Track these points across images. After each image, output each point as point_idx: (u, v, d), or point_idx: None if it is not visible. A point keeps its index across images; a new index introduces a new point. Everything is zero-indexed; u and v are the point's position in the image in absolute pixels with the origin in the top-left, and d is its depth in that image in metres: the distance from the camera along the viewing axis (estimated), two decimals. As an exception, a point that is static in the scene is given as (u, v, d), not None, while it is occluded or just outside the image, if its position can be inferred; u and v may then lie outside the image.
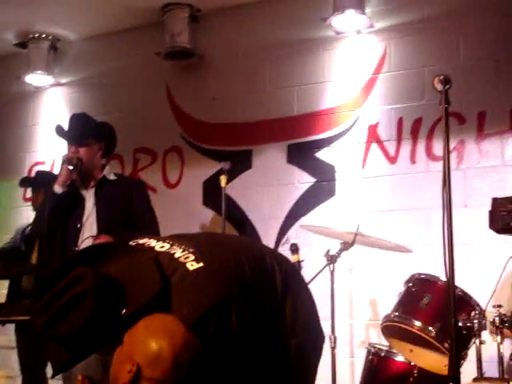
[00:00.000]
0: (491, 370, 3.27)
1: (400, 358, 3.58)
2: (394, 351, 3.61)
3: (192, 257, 2.00)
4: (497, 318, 3.02)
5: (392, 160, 4.79)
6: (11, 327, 4.85)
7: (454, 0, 4.74)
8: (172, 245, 2.06)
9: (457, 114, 4.52)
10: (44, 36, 5.92)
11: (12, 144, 6.27)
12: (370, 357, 3.71)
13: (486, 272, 4.06)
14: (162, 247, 2.05)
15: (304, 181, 5.03)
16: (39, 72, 5.96)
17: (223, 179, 4.53)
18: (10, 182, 6.06)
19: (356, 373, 4.36)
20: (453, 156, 4.50)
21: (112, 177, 4.15)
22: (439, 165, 2.67)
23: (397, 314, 3.39)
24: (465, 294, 3.24)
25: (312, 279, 3.84)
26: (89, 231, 3.92)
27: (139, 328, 1.80)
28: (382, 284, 4.54)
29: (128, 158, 5.69)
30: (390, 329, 3.49)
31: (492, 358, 3.25)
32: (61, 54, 6.07)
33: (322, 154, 5.00)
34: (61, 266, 1.98)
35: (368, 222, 4.55)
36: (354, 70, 5.00)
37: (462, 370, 3.11)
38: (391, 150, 4.79)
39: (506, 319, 2.97)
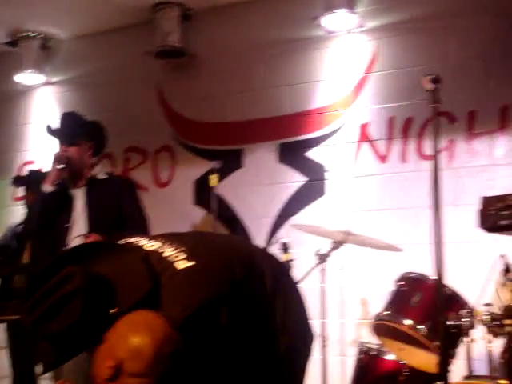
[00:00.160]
0: (481, 368, 3.29)
1: (390, 357, 3.58)
2: (385, 350, 3.61)
3: (182, 256, 2.00)
4: (486, 317, 3.03)
5: (383, 159, 4.80)
6: (1, 327, 4.84)
7: (444, 0, 4.75)
8: (162, 244, 2.06)
9: (447, 113, 4.53)
10: (35, 35, 5.90)
11: (2, 143, 6.25)
12: (361, 355, 3.72)
13: (475, 271, 4.07)
14: (152, 246, 2.05)
15: (295, 180, 5.04)
16: (30, 71, 5.94)
17: (214, 178, 4.53)
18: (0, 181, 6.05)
19: (347, 371, 4.36)
20: (443, 155, 4.51)
21: (102, 176, 4.12)
22: (430, 164, 2.69)
23: (387, 312, 3.40)
24: (454, 292, 3.24)
25: (302, 278, 3.84)
26: (78, 230, 3.89)
27: (120, 324, 1.80)
28: (373, 283, 4.55)
29: (119, 157, 5.68)
30: (381, 328, 3.50)
31: (482, 356, 3.26)
32: (52, 52, 6.05)
33: (312, 154, 5.01)
34: (50, 265, 1.98)
35: (358, 220, 4.57)
36: (345, 70, 5.01)
37: (452, 368, 3.14)
38: (382, 149, 4.80)
39: (495, 317, 2.98)
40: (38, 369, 3.81)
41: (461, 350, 3.23)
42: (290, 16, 5.19)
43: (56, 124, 4.16)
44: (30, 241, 4.37)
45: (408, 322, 3.27)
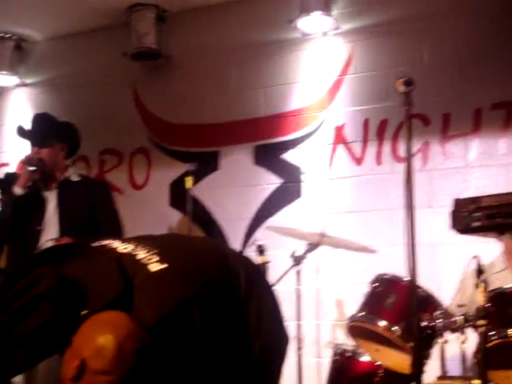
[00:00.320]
0: (455, 368, 3.31)
1: (366, 358, 3.59)
2: (360, 351, 3.63)
3: (155, 258, 2.00)
4: (460, 318, 3.05)
5: (358, 161, 4.82)
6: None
7: (418, 3, 4.79)
8: (135, 246, 2.05)
9: (422, 115, 4.57)
10: (9, 36, 5.85)
11: (-24, 145, 6.19)
12: (336, 357, 3.73)
13: (449, 272, 4.11)
14: (126, 248, 2.04)
15: (271, 182, 5.05)
16: (4, 72, 5.89)
17: (189, 180, 4.52)
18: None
19: (323, 373, 4.37)
20: (418, 157, 4.55)
21: (75, 178, 4.08)
22: (404, 166, 2.71)
23: (362, 314, 3.41)
24: (428, 293, 3.26)
25: (278, 280, 3.85)
26: (50, 233, 3.86)
27: (85, 324, 1.80)
28: (348, 284, 4.57)
29: (94, 160, 5.65)
30: (356, 329, 3.51)
31: (456, 356, 3.28)
32: (26, 54, 6.00)
33: (288, 156, 5.02)
34: (22, 267, 1.96)
35: (334, 222, 4.58)
36: (321, 72, 5.03)
37: (427, 368, 3.16)
38: (357, 152, 4.82)
39: (468, 318, 3.00)
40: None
41: (435, 351, 3.25)
42: (266, 18, 5.20)
43: (28, 125, 4.12)
44: (6, 245, 4.31)
45: (383, 323, 3.28)
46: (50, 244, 3.71)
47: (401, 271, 3.23)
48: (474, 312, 2.83)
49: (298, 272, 4.03)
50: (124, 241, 2.12)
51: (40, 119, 4.15)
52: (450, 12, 4.68)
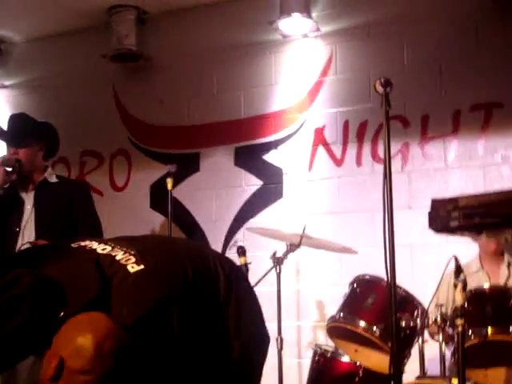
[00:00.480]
0: (434, 368, 3.33)
1: (346, 359, 3.61)
2: (340, 352, 3.64)
3: (133, 259, 2.00)
4: (438, 318, 3.07)
5: (338, 162, 4.84)
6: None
7: (397, 5, 4.81)
8: (113, 247, 2.05)
9: (401, 117, 4.60)
10: (-13, 38, 5.83)
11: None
12: (317, 358, 3.73)
13: (429, 272, 4.13)
14: (104, 249, 2.04)
15: (251, 183, 5.06)
16: (-17, 74, 5.86)
17: (169, 182, 4.50)
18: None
19: (303, 374, 4.38)
20: (397, 159, 4.58)
21: (53, 179, 4.00)
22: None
23: (342, 314, 3.43)
24: (408, 294, 3.29)
25: (258, 281, 3.85)
26: (27, 236, 3.79)
27: (64, 325, 1.80)
28: (328, 285, 4.59)
29: (74, 162, 5.63)
30: (336, 330, 3.53)
31: (435, 356, 3.30)
32: (5, 55, 5.97)
33: (269, 157, 5.03)
34: (-1, 268, 1.95)
35: (315, 223, 4.59)
36: (301, 74, 5.04)
37: (406, 368, 3.19)
38: (337, 153, 4.84)
39: (447, 318, 3.02)
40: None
41: (414, 351, 3.27)
42: (246, 20, 5.20)
43: (4, 126, 4.05)
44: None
45: (362, 323, 3.30)
46: (26, 247, 3.65)
47: (381, 272, 3.25)
48: (452, 312, 2.84)
49: (279, 273, 4.02)
50: (102, 242, 2.12)
51: (17, 119, 4.07)
52: (429, 14, 4.71)
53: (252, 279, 3.60)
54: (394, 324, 2.51)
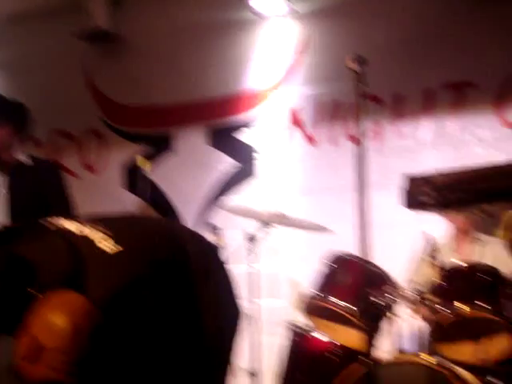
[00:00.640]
0: (408, 344, 3.37)
1: (321, 336, 3.63)
2: (316, 329, 3.66)
3: (106, 238, 1.99)
4: (412, 294, 3.10)
5: (313, 141, 4.84)
6: None
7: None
8: (87, 226, 2.04)
9: (374, 96, 4.60)
10: (-44, 16, 5.72)
11: None
12: (292, 336, 3.75)
13: (402, 249, 4.16)
14: (78, 228, 2.03)
15: (224, 162, 5.05)
16: (-49, 54, 5.75)
17: (141, 160, 4.46)
18: None
19: (279, 352, 4.40)
20: (370, 137, 4.58)
21: (25, 160, 3.84)
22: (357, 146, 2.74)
23: (316, 292, 3.44)
24: (381, 271, 3.31)
25: (233, 260, 3.85)
26: (0, 220, 3.69)
27: (37, 304, 1.79)
28: (303, 264, 4.60)
29: (45, 142, 5.57)
30: (311, 308, 3.54)
31: (409, 332, 3.34)
32: (-26, 35, 5.88)
33: (242, 136, 5.02)
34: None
35: (289, 202, 4.60)
36: (276, 52, 5.03)
37: (379, 344, 3.22)
38: (311, 132, 4.84)
39: (421, 294, 3.05)
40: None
41: (388, 328, 3.30)
42: (219, -2, 5.17)
43: None
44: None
45: (337, 301, 3.32)
46: None
47: (355, 250, 3.28)
48: (427, 288, 2.87)
49: (253, 252, 4.03)
50: (76, 220, 2.10)
51: None
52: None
53: (225, 258, 3.61)
54: (368, 300, 2.53)
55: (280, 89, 4.97)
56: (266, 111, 4.99)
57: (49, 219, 2.11)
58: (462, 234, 4.13)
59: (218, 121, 5.10)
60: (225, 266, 2.45)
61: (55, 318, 1.74)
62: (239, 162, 5.01)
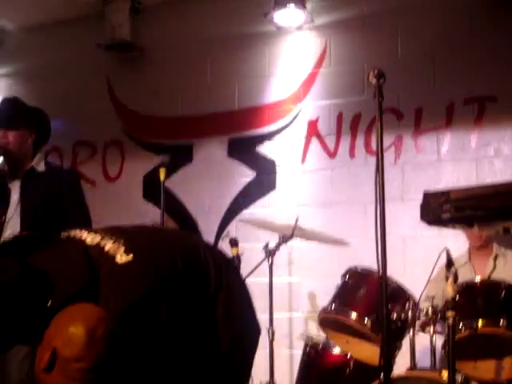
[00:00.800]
0: (425, 360, 3.34)
1: (337, 350, 3.62)
2: (331, 343, 3.65)
3: (122, 249, 2.00)
4: (429, 310, 3.08)
5: (331, 154, 4.84)
6: None
7: (392, -3, 4.81)
8: (103, 237, 2.05)
9: (395, 109, 4.61)
10: (-19, 26, 5.80)
11: None
12: (308, 349, 3.74)
13: (421, 264, 4.14)
14: (93, 239, 2.04)
15: (244, 175, 5.06)
16: (-24, 63, 5.82)
17: (162, 173, 4.49)
18: None
19: (294, 365, 4.38)
20: (390, 151, 4.58)
21: (42, 167, 3.78)
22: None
23: (333, 306, 3.43)
24: (399, 286, 3.29)
25: (250, 272, 3.86)
26: (12, 227, 3.59)
27: (55, 317, 1.80)
28: (321, 277, 4.59)
29: (67, 151, 5.62)
30: (328, 321, 3.53)
31: (426, 348, 3.31)
32: (-1, 44, 5.95)
33: (262, 149, 5.03)
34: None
35: (307, 215, 4.59)
36: (295, 65, 5.04)
37: (397, 360, 3.20)
38: (331, 145, 4.85)
39: (438, 310, 3.03)
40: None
41: (405, 343, 3.28)
42: (241, 11, 5.19)
43: None
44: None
45: (354, 315, 3.31)
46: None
47: (373, 264, 3.26)
48: (443, 304, 2.85)
49: (271, 264, 4.03)
50: (92, 231, 2.12)
51: (9, 102, 3.90)
52: (424, 7, 4.71)
53: (244, 270, 3.62)
54: (385, 316, 2.52)
55: (300, 101, 4.97)
56: (286, 124, 4.99)
57: (65, 230, 2.13)
58: (481, 249, 4.11)
59: (239, 133, 5.11)
60: (241, 278, 2.45)
61: (71, 327, 1.76)
62: (259, 174, 5.01)
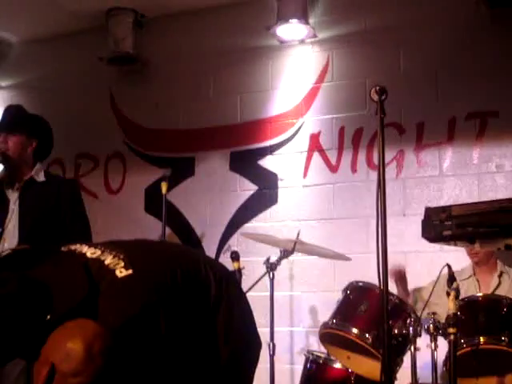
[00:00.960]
0: (426, 376, 3.33)
1: (338, 365, 3.61)
2: (332, 358, 3.64)
3: (122, 263, 2.00)
4: (431, 325, 3.07)
5: (333, 169, 4.84)
6: None
7: (394, 12, 4.82)
8: (103, 251, 2.05)
9: (397, 124, 4.61)
10: (-16, 38, 5.82)
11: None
12: (309, 364, 3.73)
13: (422, 280, 4.13)
14: (93, 253, 2.04)
15: (246, 188, 5.05)
16: (-21, 75, 5.84)
17: (164, 186, 4.50)
18: None
19: (295, 380, 4.38)
20: (392, 166, 4.58)
21: (41, 177, 3.76)
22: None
23: (335, 321, 3.42)
24: (400, 301, 3.29)
25: (252, 286, 3.86)
26: (10, 237, 3.59)
27: (52, 334, 1.80)
28: (322, 292, 4.58)
29: (69, 163, 5.62)
30: (328, 336, 3.52)
31: (427, 364, 3.30)
32: (1, 56, 5.96)
33: (264, 162, 5.04)
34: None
35: (309, 229, 4.59)
36: (297, 79, 5.05)
37: (398, 376, 3.19)
38: (332, 159, 4.85)
39: (439, 326, 3.02)
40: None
41: (406, 358, 3.27)
42: (243, 25, 5.21)
43: None
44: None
45: (355, 330, 3.30)
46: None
47: (374, 279, 3.26)
48: (445, 320, 2.84)
49: (272, 279, 4.02)
50: (91, 245, 2.12)
51: (12, 109, 3.93)
52: (426, 22, 4.72)
53: (245, 284, 3.61)
54: (386, 331, 2.51)
55: (302, 115, 4.98)
56: (288, 137, 5.00)
57: (65, 244, 2.13)
58: (483, 265, 4.10)
59: (241, 146, 5.11)
60: (242, 292, 2.44)
61: (69, 343, 1.75)
62: (261, 188, 5.01)
